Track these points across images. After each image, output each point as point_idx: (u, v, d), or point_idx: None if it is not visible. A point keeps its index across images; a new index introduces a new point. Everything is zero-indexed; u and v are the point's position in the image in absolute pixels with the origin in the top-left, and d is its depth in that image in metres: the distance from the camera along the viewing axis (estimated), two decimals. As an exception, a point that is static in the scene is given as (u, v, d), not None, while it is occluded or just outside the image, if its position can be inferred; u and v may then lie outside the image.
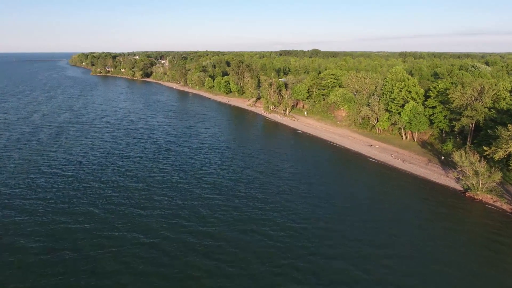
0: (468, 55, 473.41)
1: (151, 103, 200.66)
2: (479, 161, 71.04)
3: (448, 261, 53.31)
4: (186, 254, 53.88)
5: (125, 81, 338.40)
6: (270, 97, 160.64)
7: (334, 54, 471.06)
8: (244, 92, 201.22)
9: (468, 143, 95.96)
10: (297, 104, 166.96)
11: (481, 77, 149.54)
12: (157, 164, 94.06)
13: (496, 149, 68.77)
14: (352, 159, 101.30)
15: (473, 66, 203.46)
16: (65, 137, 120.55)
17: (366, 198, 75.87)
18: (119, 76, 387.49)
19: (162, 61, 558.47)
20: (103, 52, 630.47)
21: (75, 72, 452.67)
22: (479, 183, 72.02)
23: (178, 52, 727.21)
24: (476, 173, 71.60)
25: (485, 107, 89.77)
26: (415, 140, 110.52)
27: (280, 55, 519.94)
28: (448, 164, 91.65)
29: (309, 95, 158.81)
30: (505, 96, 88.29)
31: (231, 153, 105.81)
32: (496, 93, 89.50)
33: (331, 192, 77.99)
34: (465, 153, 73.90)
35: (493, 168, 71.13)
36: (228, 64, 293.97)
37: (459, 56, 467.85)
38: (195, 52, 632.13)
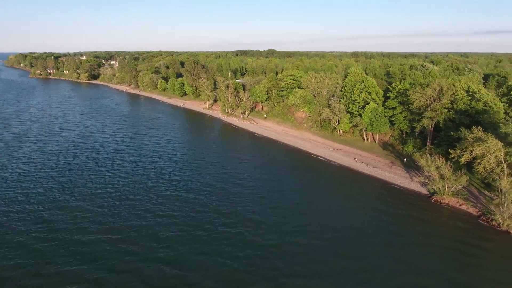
0: (413, 55, 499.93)
1: (97, 108, 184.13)
2: (445, 164, 69.28)
3: (425, 269, 50.76)
4: (134, 295, 45.22)
5: (69, 84, 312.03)
6: (228, 100, 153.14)
7: (290, 54, 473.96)
8: (200, 95, 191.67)
9: (428, 143, 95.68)
10: (256, 106, 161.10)
11: (432, 77, 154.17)
12: (104, 179, 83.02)
13: (462, 152, 67.22)
14: (315, 164, 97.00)
15: (422, 65, 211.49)
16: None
17: (334, 206, 71.52)
18: (62, 78, 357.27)
19: (112, 62, 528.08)
20: (44, 52, 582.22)
21: (11, 74, 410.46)
22: (445, 187, 70.36)
23: (129, 52, 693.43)
24: (442, 177, 69.84)
25: (444, 108, 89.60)
26: (376, 142, 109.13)
27: (237, 55, 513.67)
28: (410, 166, 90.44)
29: (268, 97, 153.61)
30: (462, 96, 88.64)
31: (188, 163, 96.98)
32: (454, 94, 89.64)
33: (297, 201, 72.72)
34: (431, 157, 71.97)
35: (459, 171, 69.75)
36: (182, 65, 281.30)
37: (405, 55, 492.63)
38: (148, 52, 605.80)
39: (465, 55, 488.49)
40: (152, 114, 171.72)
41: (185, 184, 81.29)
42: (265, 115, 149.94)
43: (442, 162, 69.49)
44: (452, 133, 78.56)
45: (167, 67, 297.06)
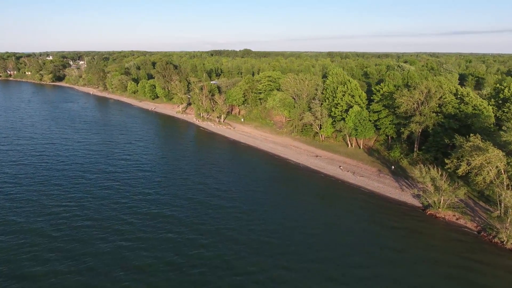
0: (386, 55, 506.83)
1: (60, 113, 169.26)
2: (441, 176, 63.64)
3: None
4: None
5: (31, 86, 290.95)
6: (202, 103, 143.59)
7: (265, 54, 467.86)
8: (172, 98, 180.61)
9: (415, 149, 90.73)
10: (232, 109, 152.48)
11: (411, 77, 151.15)
12: (63, 195, 72.75)
13: (458, 162, 61.76)
14: (299, 174, 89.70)
15: (398, 65, 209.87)
16: None
17: (324, 222, 64.84)
18: (23, 80, 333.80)
19: (81, 62, 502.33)
20: (6, 52, 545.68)
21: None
22: (440, 200, 64.79)
23: (99, 52, 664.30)
24: (438, 189, 64.20)
25: (432, 112, 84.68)
26: (361, 147, 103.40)
27: (212, 55, 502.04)
28: (399, 174, 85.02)
29: (245, 100, 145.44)
30: (451, 99, 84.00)
31: (160, 174, 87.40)
32: (442, 97, 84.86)
33: (283, 217, 65.71)
34: (424, 166, 66.21)
35: (454, 182, 64.38)
36: (154, 65, 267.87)
37: (379, 55, 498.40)
38: (119, 52, 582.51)
39: (434, 55, 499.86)
40: (120, 119, 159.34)
41: (157, 198, 72.53)
42: (242, 119, 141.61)
43: (437, 173, 63.77)
44: (446, 140, 73.30)
45: (138, 68, 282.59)
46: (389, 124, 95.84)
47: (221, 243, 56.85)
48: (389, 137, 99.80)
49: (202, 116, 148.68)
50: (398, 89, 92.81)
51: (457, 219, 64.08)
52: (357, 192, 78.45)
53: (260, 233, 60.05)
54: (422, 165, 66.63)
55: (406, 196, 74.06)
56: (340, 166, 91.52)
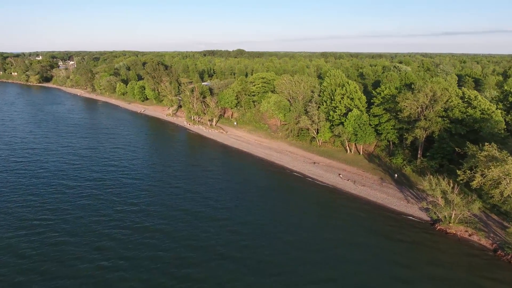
0: (380, 55, 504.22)
1: (44, 116, 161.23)
2: (452, 188, 58.15)
3: None
4: None
5: (17, 88, 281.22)
6: (193, 106, 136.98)
7: (259, 55, 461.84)
8: (163, 100, 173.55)
9: (419, 156, 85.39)
10: (225, 112, 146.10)
11: (408, 78, 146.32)
12: (34, 213, 65.52)
13: (472, 174, 56.32)
14: (296, 182, 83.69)
15: (395, 66, 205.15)
16: None
17: (323, 238, 59.22)
18: (9, 81, 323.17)
19: (71, 62, 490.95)
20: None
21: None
22: (452, 214, 59.32)
23: (90, 52, 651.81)
24: (449, 203, 58.72)
25: (438, 116, 79.35)
26: (361, 153, 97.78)
27: (205, 55, 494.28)
28: (402, 183, 79.55)
29: (238, 103, 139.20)
30: (458, 103, 78.78)
31: (146, 183, 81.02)
32: (448, 100, 79.61)
33: (278, 232, 60.37)
34: (434, 177, 60.68)
35: (469, 196, 58.92)
36: (145, 65, 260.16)
37: (372, 56, 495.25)
38: (111, 52, 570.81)
39: (426, 55, 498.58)
40: (107, 122, 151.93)
41: (144, 210, 66.79)
42: (235, 123, 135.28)
43: (449, 185, 58.25)
44: (457, 149, 67.85)
45: (128, 69, 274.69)
46: (391, 129, 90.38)
47: (213, 261, 51.56)
48: (391, 143, 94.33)
49: (193, 120, 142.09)
50: (400, 92, 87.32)
51: (470, 235, 58.64)
52: (359, 203, 72.73)
53: (255, 250, 54.50)
54: (431, 176, 61.04)
55: (412, 208, 68.51)
56: (339, 174, 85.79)
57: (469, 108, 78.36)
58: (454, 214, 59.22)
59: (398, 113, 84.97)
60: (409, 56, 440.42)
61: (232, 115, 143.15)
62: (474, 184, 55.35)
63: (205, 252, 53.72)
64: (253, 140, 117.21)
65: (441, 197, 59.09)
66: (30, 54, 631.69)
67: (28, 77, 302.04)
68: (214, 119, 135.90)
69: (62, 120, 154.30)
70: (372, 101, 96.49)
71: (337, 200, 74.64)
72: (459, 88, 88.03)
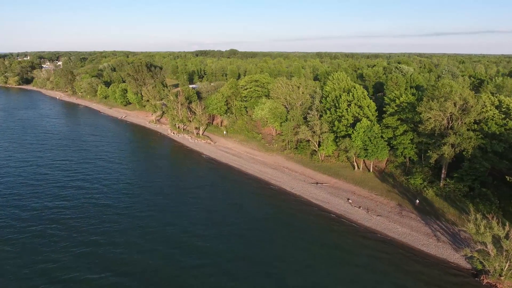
0: (376, 56, 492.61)
1: (11, 123, 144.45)
2: (507, 232, 43.64)
3: None
4: None
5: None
6: (177, 112, 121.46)
7: (252, 55, 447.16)
8: (146, 104, 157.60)
9: (443, 176, 70.95)
10: (213, 119, 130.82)
11: (414, 80, 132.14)
12: None
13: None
14: (297, 210, 68.51)
15: (396, 67, 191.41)
16: None
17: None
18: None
19: (59, 63, 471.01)
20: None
21: None
22: (505, 266, 44.87)
23: (80, 52, 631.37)
24: (501, 251, 44.26)
25: (469, 130, 64.95)
26: (371, 170, 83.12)
27: (197, 55, 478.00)
28: (426, 211, 65.05)
29: (228, 109, 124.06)
30: (494, 114, 64.53)
31: (115, 211, 65.65)
32: (482, 111, 65.29)
33: (280, 278, 44.72)
34: (482, 217, 46.12)
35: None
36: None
37: (368, 56, 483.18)
38: (100, 53, 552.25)
39: (421, 55, 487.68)
40: (84, 130, 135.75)
41: (103, 265, 50.05)
42: (225, 132, 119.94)
43: (503, 229, 43.70)
44: (508, 178, 53.18)
45: (114, 70, 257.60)
46: (409, 143, 75.87)
47: None
48: (408, 159, 79.81)
49: (178, 128, 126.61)
50: (421, 100, 72.83)
51: (529, 293, 44.31)
52: (375, 239, 58.09)
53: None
54: (478, 215, 46.39)
55: (445, 249, 54.00)
56: (348, 199, 71.06)
57: (508, 119, 64.13)
58: (508, 265, 44.78)
59: (419, 125, 70.54)
60: (405, 56, 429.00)
61: (221, 123, 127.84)
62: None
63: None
64: (244, 152, 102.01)
65: (491, 243, 44.59)
66: (18, 55, 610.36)
67: (7, 78, 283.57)
68: (201, 127, 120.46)
69: (31, 128, 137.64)
70: (384, 109, 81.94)
71: (347, 234, 59.75)
72: (493, 95, 73.83)
